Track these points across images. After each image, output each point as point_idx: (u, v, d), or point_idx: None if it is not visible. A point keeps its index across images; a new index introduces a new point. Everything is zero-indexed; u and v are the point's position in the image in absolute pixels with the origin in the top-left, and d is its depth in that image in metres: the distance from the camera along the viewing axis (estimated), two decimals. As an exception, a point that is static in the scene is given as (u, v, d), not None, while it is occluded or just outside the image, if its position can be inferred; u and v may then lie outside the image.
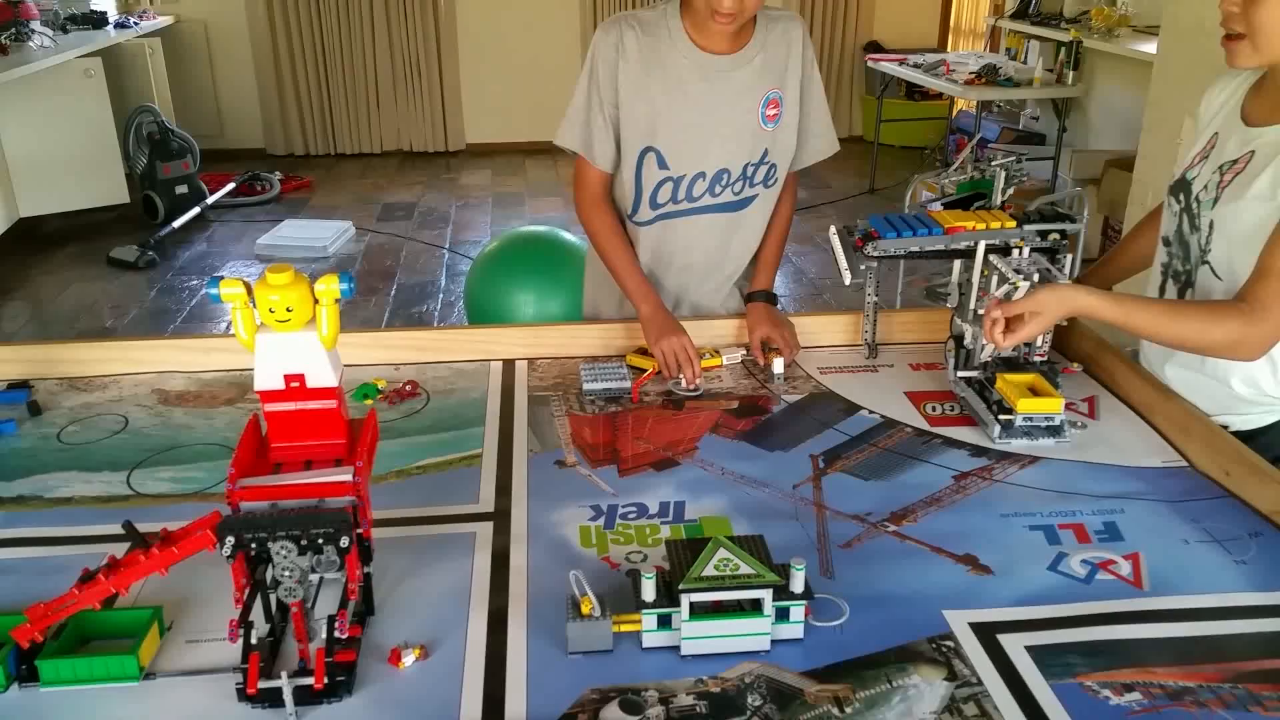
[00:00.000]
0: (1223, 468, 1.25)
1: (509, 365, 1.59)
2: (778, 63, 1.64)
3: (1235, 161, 1.33)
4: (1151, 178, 3.63)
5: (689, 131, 1.62)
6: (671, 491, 1.24)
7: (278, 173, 6.00)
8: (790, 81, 1.65)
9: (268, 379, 0.88)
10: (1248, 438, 1.36)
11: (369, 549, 0.94)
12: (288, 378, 0.88)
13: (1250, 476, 1.21)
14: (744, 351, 1.62)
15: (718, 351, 1.61)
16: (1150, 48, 4.35)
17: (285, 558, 0.85)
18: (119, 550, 0.93)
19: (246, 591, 0.87)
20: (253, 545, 0.85)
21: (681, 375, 1.53)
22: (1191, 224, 1.40)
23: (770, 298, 1.70)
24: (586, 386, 1.50)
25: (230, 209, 5.59)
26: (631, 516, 1.18)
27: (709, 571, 0.94)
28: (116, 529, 0.95)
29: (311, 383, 0.89)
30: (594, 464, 1.30)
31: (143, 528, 0.93)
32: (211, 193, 5.46)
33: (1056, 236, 1.43)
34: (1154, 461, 1.30)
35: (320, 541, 0.85)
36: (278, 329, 0.87)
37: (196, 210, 5.31)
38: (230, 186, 5.68)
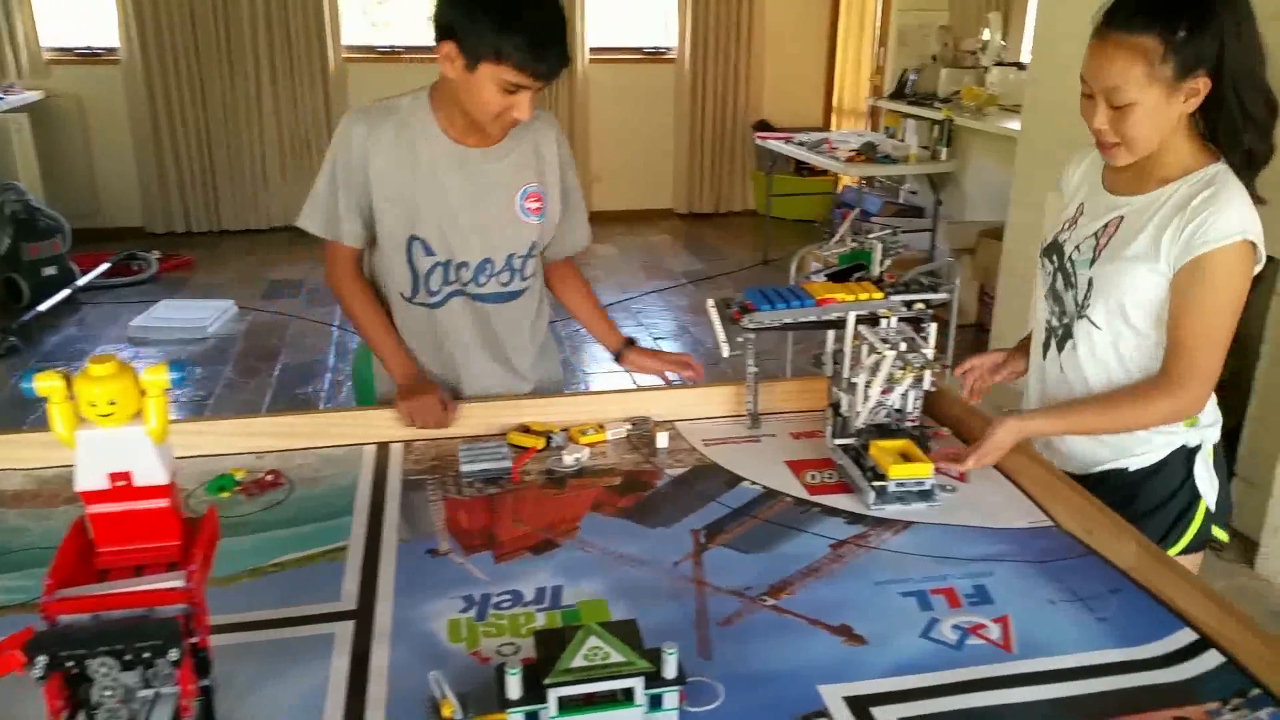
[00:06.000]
0: (1085, 526, 1.28)
1: (383, 448, 1.53)
2: (534, 158, 1.68)
3: (1105, 226, 1.44)
4: (1021, 246, 3.82)
5: (447, 222, 1.64)
6: (549, 576, 1.20)
7: (155, 251, 5.77)
8: (550, 178, 1.70)
9: (90, 479, 0.82)
10: (1146, 476, 1.46)
11: (206, 660, 0.87)
12: (113, 476, 0.82)
13: (1110, 534, 1.24)
14: (629, 426, 1.61)
15: (602, 426, 1.59)
16: (1016, 125, 4.62)
17: (107, 676, 0.78)
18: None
19: (64, 715, 0.79)
20: (69, 664, 0.77)
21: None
22: (1067, 281, 1.49)
23: (632, 342, 1.85)
24: (464, 468, 1.45)
25: (104, 290, 5.33)
26: (505, 605, 1.14)
27: (578, 662, 0.90)
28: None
29: (139, 481, 0.83)
30: (468, 551, 1.25)
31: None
32: (84, 273, 5.22)
33: (921, 306, 1.48)
34: (1021, 522, 1.33)
35: (147, 655, 0.78)
36: (100, 424, 0.81)
37: (66, 292, 5.05)
38: (104, 267, 5.42)
